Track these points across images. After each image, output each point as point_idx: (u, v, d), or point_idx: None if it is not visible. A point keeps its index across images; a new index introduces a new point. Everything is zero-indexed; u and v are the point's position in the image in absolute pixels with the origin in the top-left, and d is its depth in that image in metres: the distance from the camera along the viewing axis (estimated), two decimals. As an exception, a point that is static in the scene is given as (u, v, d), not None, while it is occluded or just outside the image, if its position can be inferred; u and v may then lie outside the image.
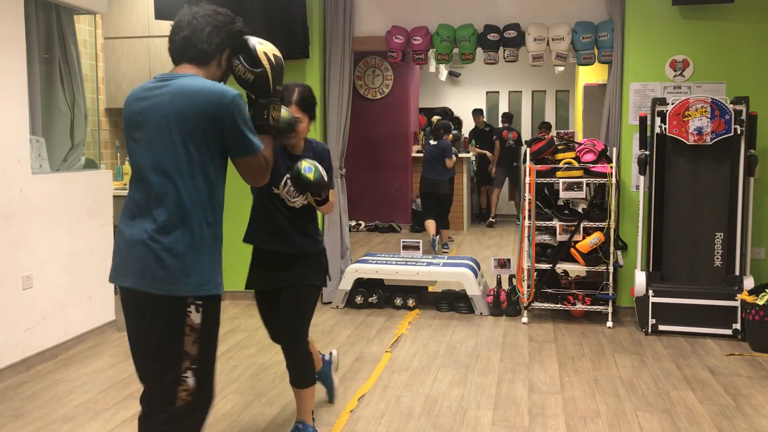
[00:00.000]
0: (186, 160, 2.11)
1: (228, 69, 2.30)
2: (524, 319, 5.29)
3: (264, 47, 2.29)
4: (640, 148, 5.11)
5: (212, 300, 2.22)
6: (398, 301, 5.66)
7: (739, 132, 4.78)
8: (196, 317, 2.17)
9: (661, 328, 4.93)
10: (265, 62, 2.24)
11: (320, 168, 2.91)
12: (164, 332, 2.16)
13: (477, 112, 11.11)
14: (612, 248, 5.11)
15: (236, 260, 5.94)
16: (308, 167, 2.89)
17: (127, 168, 7.01)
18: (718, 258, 4.91)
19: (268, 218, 3.10)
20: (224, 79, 2.31)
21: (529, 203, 5.24)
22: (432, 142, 8.35)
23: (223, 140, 2.15)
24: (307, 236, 3.12)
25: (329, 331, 5.06)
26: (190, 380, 2.19)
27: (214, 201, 2.18)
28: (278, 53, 2.31)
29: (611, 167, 5.08)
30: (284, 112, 2.50)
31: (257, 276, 3.18)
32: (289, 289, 3.08)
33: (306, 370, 3.13)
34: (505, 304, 5.50)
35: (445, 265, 5.63)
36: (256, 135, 2.21)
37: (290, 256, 3.09)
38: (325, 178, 2.93)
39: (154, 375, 2.23)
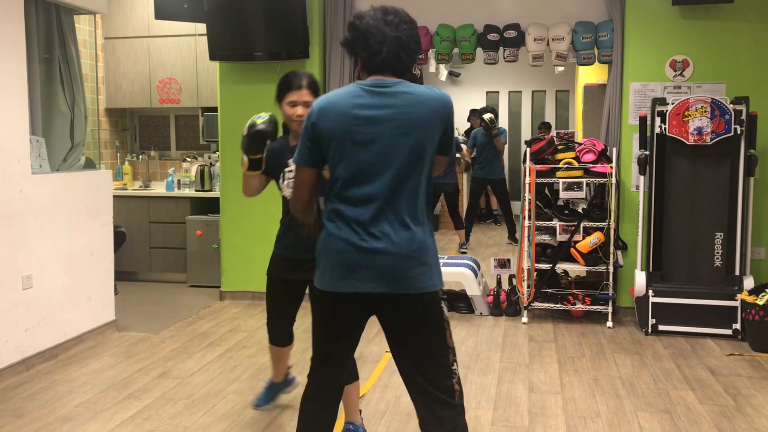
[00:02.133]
0: None
1: None
2: (524, 319, 5.29)
3: None
4: (640, 148, 5.11)
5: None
6: (398, 301, 5.65)
7: (739, 132, 4.78)
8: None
9: (661, 328, 4.94)
10: None
11: (275, 120, 2.87)
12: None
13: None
14: (612, 248, 5.11)
15: (236, 260, 5.96)
16: (261, 115, 2.85)
17: (127, 168, 7.02)
18: (718, 258, 4.91)
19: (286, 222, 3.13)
20: None
21: (529, 203, 5.24)
22: None
23: None
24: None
25: (329, 331, 5.06)
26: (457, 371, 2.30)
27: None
28: None
29: (611, 167, 5.08)
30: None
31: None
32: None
33: None
34: (505, 304, 5.50)
35: (445, 265, 5.63)
36: None
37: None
38: (277, 129, 2.89)
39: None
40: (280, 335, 3.35)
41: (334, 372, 2.40)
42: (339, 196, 2.20)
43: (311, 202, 2.32)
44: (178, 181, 6.79)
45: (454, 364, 2.27)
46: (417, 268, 2.16)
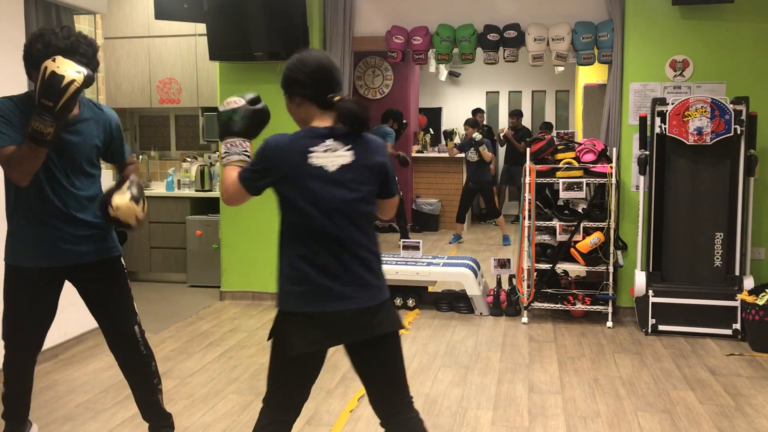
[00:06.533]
0: None
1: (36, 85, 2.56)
2: (524, 319, 5.29)
3: (52, 63, 2.50)
4: (640, 148, 5.11)
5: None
6: (398, 301, 5.66)
7: (739, 132, 4.78)
8: None
9: (661, 328, 4.93)
10: (40, 75, 2.51)
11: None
12: None
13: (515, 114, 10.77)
14: (612, 248, 5.11)
15: (236, 260, 5.96)
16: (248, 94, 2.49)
17: (127, 168, 7.00)
18: (718, 258, 4.91)
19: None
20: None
21: (529, 203, 5.24)
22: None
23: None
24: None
25: (329, 331, 5.05)
26: None
27: (16, 198, 2.80)
28: (65, 72, 2.48)
29: (611, 167, 5.08)
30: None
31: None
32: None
33: None
34: (505, 304, 5.50)
35: (445, 265, 5.63)
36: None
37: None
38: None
39: None
40: None
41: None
42: None
43: None
44: (178, 181, 6.79)
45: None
46: None
